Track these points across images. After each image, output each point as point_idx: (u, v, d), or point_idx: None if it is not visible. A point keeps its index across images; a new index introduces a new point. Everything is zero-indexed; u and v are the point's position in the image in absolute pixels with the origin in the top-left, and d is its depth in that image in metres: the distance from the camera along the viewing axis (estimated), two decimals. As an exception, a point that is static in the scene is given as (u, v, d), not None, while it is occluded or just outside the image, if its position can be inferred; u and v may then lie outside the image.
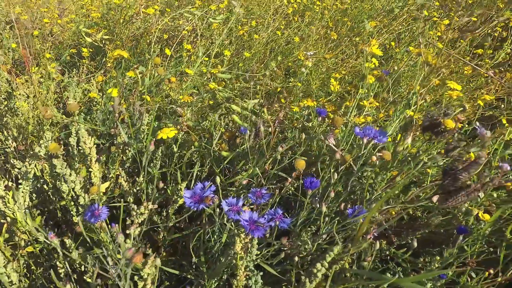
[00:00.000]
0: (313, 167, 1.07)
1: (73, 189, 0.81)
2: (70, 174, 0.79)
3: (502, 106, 1.43)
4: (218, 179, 0.70)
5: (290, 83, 1.53)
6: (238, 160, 1.13)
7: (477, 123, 0.61)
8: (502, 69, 1.72)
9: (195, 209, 0.62)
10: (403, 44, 2.16)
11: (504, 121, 0.94)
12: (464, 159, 0.64)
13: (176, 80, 1.52)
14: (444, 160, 0.80)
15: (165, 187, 1.22)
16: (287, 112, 1.28)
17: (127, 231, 0.63)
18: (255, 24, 2.35)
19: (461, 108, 0.79)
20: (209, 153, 1.13)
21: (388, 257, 1.01)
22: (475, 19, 2.22)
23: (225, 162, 1.09)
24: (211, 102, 1.56)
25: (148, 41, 2.21)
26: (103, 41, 2.21)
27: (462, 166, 0.59)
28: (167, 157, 1.30)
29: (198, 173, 1.21)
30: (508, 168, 0.55)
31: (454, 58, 1.78)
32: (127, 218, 0.73)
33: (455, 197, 0.59)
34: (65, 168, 0.77)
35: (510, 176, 0.75)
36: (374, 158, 0.72)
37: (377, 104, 1.20)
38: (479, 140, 0.60)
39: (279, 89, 1.71)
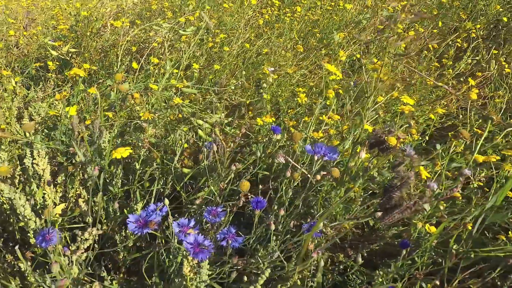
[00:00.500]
0: (274, 182, 1.09)
1: (23, 213, 0.80)
2: (20, 198, 0.78)
3: (461, 116, 1.50)
4: (166, 201, 0.71)
5: (259, 95, 1.56)
6: (200, 177, 1.14)
7: (409, 145, 0.64)
8: (462, 80, 1.81)
9: (140, 234, 0.63)
10: (371, 54, 2.23)
11: (449, 135, 0.99)
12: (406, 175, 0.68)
13: (143, 94, 1.53)
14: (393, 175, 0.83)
15: (130, 203, 1.22)
16: (251, 126, 1.31)
17: (72, 258, 0.63)
18: (225, 36, 2.38)
19: (407, 125, 0.83)
20: (171, 170, 1.14)
21: (348, 270, 1.04)
22: (435, 31, 2.32)
23: (186, 179, 1.10)
24: (180, 116, 1.57)
25: (117, 53, 2.21)
26: (70, 54, 2.19)
27: (397, 185, 0.62)
28: (130, 173, 1.30)
29: (161, 189, 1.22)
30: (436, 187, 0.58)
31: (416, 69, 1.86)
32: (72, 244, 0.73)
33: (390, 215, 0.62)
34: (14, 192, 0.77)
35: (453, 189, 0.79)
36: (318, 177, 0.75)
37: (338, 117, 1.24)
38: (428, 156, 0.64)
39: (248, 102, 1.74)
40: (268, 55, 2.05)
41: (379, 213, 0.70)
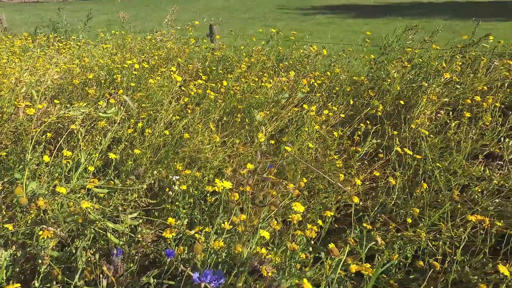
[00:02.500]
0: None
1: None
2: None
3: (357, 206, 1.73)
4: None
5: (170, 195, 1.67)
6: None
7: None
8: (366, 162, 2.08)
9: None
10: (290, 132, 2.48)
11: (330, 246, 1.17)
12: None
13: (50, 198, 1.57)
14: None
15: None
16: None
17: None
18: (150, 113, 2.52)
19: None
20: None
21: None
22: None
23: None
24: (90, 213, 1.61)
25: (31, 136, 2.22)
26: (-24, 142, 2.17)
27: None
28: (31, 289, 1.30)
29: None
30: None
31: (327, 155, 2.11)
32: None
33: None
34: None
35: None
36: (194, 317, 0.86)
37: (244, 217, 1.38)
38: None
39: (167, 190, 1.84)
40: (189, 138, 2.20)
41: None
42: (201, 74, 3.22)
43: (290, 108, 2.60)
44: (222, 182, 1.20)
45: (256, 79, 2.98)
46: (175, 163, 1.80)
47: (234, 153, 2.20)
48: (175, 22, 4.00)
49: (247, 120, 2.52)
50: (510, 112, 2.36)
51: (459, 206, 1.85)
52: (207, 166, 2.11)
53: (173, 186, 1.43)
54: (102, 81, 3.10)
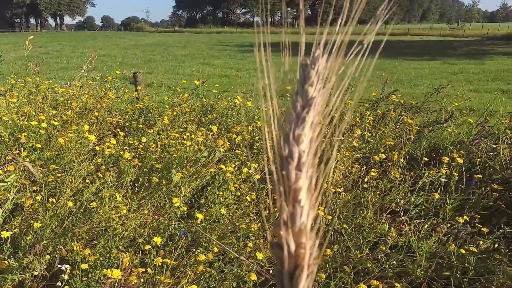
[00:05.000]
0: None
1: None
2: None
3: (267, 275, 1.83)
4: None
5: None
6: None
7: None
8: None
9: None
10: (210, 191, 2.57)
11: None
12: None
13: None
14: None
15: None
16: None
17: None
18: (56, 178, 2.47)
19: None
20: None
21: None
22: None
23: None
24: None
25: None
26: None
27: None
28: None
29: None
30: None
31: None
32: None
33: None
34: None
35: None
36: None
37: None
38: None
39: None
40: (99, 206, 2.19)
41: None
42: (118, 130, 3.23)
43: (210, 166, 2.70)
44: (113, 272, 1.23)
45: (177, 135, 3.06)
46: (73, 243, 1.78)
47: (149, 220, 2.22)
48: (104, 58, 3.99)
49: (164, 181, 2.57)
50: (415, 167, 2.67)
51: (368, 264, 2.02)
52: (117, 236, 2.10)
53: (62, 275, 1.42)
54: (6, 139, 2.99)
